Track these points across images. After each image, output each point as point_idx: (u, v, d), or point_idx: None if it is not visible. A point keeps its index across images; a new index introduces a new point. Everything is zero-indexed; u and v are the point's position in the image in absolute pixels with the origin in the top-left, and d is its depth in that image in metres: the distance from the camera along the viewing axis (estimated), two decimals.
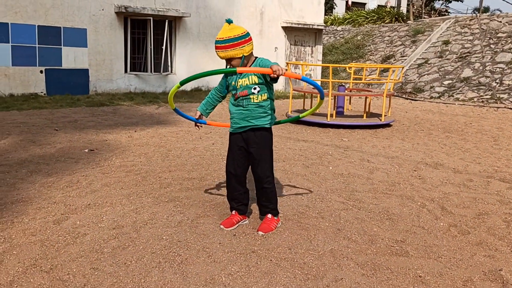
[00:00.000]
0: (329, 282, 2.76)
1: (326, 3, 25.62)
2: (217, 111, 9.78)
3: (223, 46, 3.23)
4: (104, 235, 3.32)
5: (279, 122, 4.06)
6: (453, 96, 14.40)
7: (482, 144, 7.51)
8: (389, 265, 3.02)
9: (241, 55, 3.26)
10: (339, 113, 9.45)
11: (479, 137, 8.14)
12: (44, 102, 10.35)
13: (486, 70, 14.84)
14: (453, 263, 3.09)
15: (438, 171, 5.57)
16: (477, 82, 14.55)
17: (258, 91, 3.31)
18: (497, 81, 14.19)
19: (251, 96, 3.33)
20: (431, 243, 3.40)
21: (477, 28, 17.00)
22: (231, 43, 3.22)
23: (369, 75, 16.91)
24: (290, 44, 16.38)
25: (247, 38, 3.27)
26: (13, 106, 9.65)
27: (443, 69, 15.90)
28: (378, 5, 29.73)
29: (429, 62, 16.64)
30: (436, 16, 27.18)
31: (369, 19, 22.97)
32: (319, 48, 17.17)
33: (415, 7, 29.48)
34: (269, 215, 3.56)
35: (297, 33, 16.50)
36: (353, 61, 18.82)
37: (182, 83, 3.23)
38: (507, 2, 19.50)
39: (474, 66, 15.22)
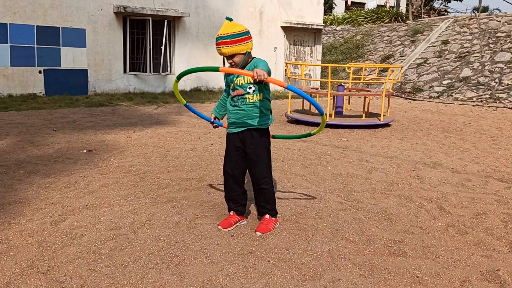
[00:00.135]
0: (327, 283, 2.76)
1: (325, 3, 25.65)
2: None
3: (228, 41, 3.20)
4: (101, 236, 3.31)
5: (285, 137, 4.03)
6: (452, 95, 14.40)
7: (481, 143, 7.51)
8: (387, 266, 3.01)
9: (245, 51, 3.25)
10: (338, 113, 9.45)
11: (478, 137, 8.14)
12: (43, 103, 10.34)
13: (485, 69, 14.84)
14: (451, 263, 3.09)
15: (437, 171, 5.56)
16: (476, 81, 14.55)
17: (253, 91, 3.31)
18: (496, 80, 14.19)
19: (247, 96, 3.32)
20: (428, 243, 3.40)
21: (476, 27, 17.00)
22: (236, 39, 3.21)
23: (368, 75, 16.91)
24: (290, 44, 16.38)
25: (249, 35, 3.29)
26: (11, 106, 9.65)
27: (442, 68, 15.90)
28: (378, 5, 29.74)
29: (428, 61, 16.64)
30: (435, 16, 27.19)
31: (369, 19, 22.98)
32: (319, 48, 17.17)
33: (414, 6, 29.49)
34: (267, 216, 3.55)
35: (297, 33, 16.50)
36: (353, 61, 18.82)
37: (179, 77, 3.36)
38: (506, 1, 19.48)
39: (473, 66, 15.22)
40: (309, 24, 16.37)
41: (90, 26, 12.27)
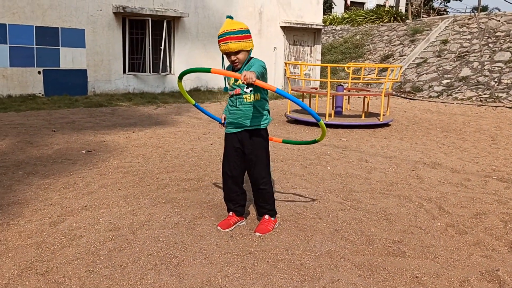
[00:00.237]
0: (326, 284, 2.76)
1: (324, 3, 25.64)
2: None
3: (236, 36, 3.17)
4: (100, 237, 3.31)
5: (293, 142, 4.06)
6: (451, 95, 14.40)
7: (480, 143, 7.50)
8: (386, 266, 3.01)
9: (249, 48, 3.25)
10: (338, 113, 9.44)
11: (477, 137, 8.13)
12: (42, 103, 10.34)
13: (484, 69, 14.83)
14: (450, 263, 3.08)
15: (436, 171, 5.56)
16: (476, 81, 14.55)
17: (251, 91, 3.30)
18: (496, 80, 14.19)
19: (244, 96, 3.32)
20: (428, 243, 3.39)
21: (475, 27, 17.00)
22: (243, 35, 3.21)
23: (368, 74, 16.91)
24: (289, 44, 16.37)
25: (251, 34, 3.30)
26: (11, 107, 9.64)
27: (441, 68, 15.90)
28: (377, 5, 29.73)
29: (427, 61, 16.64)
30: (434, 16, 27.19)
31: (368, 18, 22.98)
32: (318, 47, 17.16)
33: (414, 6, 29.49)
34: (266, 216, 3.55)
35: (296, 33, 16.49)
36: (352, 61, 18.82)
37: (180, 77, 3.39)
38: (505, 1, 19.44)
39: (473, 65, 15.22)
40: (308, 24, 16.36)
41: (89, 27, 12.26)
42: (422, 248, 3.30)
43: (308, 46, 16.94)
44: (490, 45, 15.73)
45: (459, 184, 5.00)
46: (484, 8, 36.49)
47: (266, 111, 3.43)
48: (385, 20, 22.12)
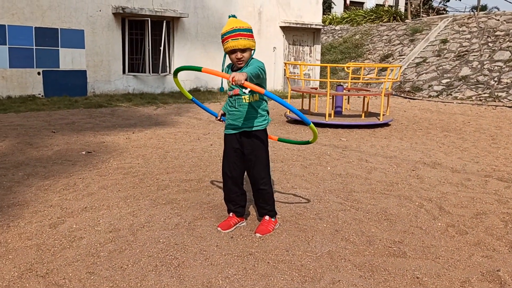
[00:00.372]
0: (327, 284, 2.75)
1: (324, 3, 25.62)
2: None
3: (246, 34, 3.17)
4: (100, 239, 3.30)
5: (288, 141, 4.07)
6: (451, 94, 14.40)
7: (480, 143, 7.50)
8: (387, 266, 3.00)
9: (254, 48, 3.26)
10: (338, 113, 9.44)
11: (477, 136, 8.13)
12: (42, 104, 10.33)
13: (484, 68, 14.83)
14: (451, 263, 3.08)
15: (436, 171, 5.56)
16: (475, 80, 14.54)
17: (249, 91, 3.29)
18: (495, 79, 14.19)
19: (243, 96, 3.31)
20: (428, 243, 3.39)
21: (475, 26, 17.00)
22: (250, 33, 3.22)
23: (368, 74, 16.90)
24: (289, 44, 16.37)
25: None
26: (10, 108, 9.63)
27: (441, 67, 15.89)
28: (376, 4, 29.69)
29: (427, 61, 16.64)
30: (434, 15, 27.17)
31: (367, 18, 22.97)
32: (318, 47, 17.16)
33: (413, 5, 29.49)
34: (267, 217, 3.55)
35: (296, 33, 16.49)
36: (352, 61, 18.81)
37: (175, 74, 3.38)
38: (505, 0, 19.45)
39: (472, 65, 15.22)
40: (308, 24, 16.36)
41: (89, 27, 12.25)
42: (422, 249, 3.29)
43: (307, 46, 16.94)
44: (489, 44, 15.73)
45: (459, 184, 4.99)
46: (484, 7, 36.50)
47: (265, 112, 3.43)
48: (385, 20, 22.11)
